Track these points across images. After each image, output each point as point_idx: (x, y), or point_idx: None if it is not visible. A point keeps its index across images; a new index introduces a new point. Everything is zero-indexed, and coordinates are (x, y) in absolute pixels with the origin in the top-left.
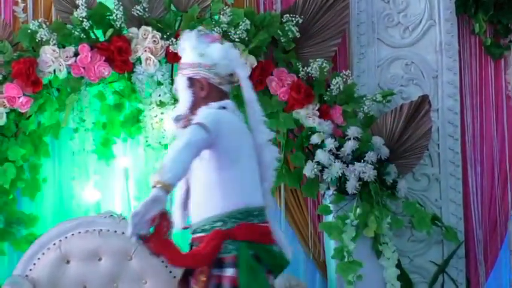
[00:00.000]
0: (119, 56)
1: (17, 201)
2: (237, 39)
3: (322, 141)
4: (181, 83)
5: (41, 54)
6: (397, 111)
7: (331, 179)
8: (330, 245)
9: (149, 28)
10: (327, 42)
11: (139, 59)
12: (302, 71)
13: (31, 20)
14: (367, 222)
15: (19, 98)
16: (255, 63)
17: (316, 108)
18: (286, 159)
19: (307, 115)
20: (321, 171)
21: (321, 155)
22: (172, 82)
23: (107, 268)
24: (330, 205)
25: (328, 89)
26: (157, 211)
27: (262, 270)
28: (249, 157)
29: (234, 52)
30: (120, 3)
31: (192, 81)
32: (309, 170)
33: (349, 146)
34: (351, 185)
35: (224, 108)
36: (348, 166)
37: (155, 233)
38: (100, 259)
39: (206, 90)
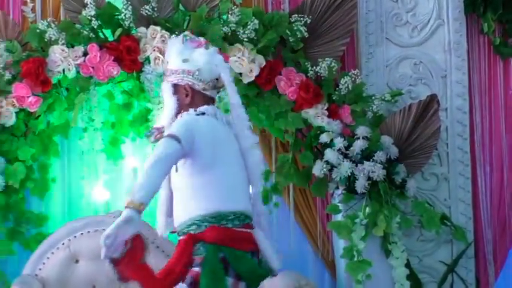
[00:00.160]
0: (127, 56)
1: (27, 201)
2: (245, 39)
3: (331, 141)
4: (166, 90)
5: (50, 54)
6: (406, 110)
7: (340, 178)
8: (339, 244)
9: (158, 28)
10: (336, 41)
11: (148, 59)
12: (311, 70)
13: (40, 20)
14: (376, 221)
15: (28, 97)
16: (264, 63)
17: (325, 107)
18: (294, 158)
19: (316, 114)
20: (330, 170)
21: (329, 155)
22: None
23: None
24: (339, 204)
25: (337, 89)
26: (130, 232)
27: (225, 274)
28: (227, 162)
29: (219, 57)
30: (129, 2)
31: (176, 88)
32: (318, 169)
33: (358, 145)
34: (360, 185)
35: (203, 113)
36: (356, 165)
37: (127, 257)
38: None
39: (190, 97)
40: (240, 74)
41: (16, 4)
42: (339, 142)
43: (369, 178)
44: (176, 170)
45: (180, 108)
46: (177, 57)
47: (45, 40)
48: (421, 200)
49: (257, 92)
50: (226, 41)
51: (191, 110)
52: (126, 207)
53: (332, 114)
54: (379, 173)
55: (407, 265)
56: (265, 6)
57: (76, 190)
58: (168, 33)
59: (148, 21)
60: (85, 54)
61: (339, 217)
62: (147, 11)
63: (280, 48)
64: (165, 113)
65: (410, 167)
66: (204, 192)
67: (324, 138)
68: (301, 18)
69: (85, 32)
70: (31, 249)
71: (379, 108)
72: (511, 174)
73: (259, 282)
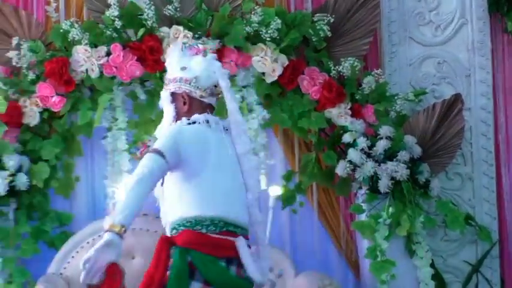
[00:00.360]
0: (150, 56)
1: (51, 200)
2: (268, 39)
3: (354, 140)
4: (164, 99)
5: (74, 54)
6: (430, 110)
7: (363, 178)
8: (363, 244)
9: (180, 27)
10: (358, 41)
11: None
12: (333, 69)
13: (63, 20)
14: (400, 221)
15: (52, 97)
16: (287, 63)
17: (348, 107)
18: (318, 158)
19: (339, 114)
20: (353, 170)
21: (353, 154)
22: None
23: (140, 266)
24: (363, 204)
25: (360, 88)
26: (111, 257)
27: (192, 278)
28: (216, 169)
29: (216, 63)
30: (152, 2)
31: (174, 96)
32: (341, 169)
33: (382, 145)
34: (384, 184)
35: (195, 122)
36: (380, 165)
37: (106, 284)
38: (133, 257)
39: (188, 104)
40: (263, 73)
41: (40, 4)
42: (362, 142)
43: (392, 178)
44: (162, 184)
45: (178, 116)
46: (175, 65)
47: (69, 40)
48: (445, 199)
49: (280, 92)
50: (249, 41)
51: (184, 119)
52: (107, 230)
53: (355, 113)
54: (402, 172)
55: (432, 265)
56: (287, 5)
57: (100, 189)
58: (191, 33)
59: (171, 21)
60: (108, 54)
61: (363, 217)
62: (169, 11)
63: (303, 48)
64: (164, 122)
65: (434, 166)
66: (187, 197)
67: (347, 138)
68: (324, 18)
69: (108, 32)
70: (56, 248)
71: (402, 108)
72: None
73: None
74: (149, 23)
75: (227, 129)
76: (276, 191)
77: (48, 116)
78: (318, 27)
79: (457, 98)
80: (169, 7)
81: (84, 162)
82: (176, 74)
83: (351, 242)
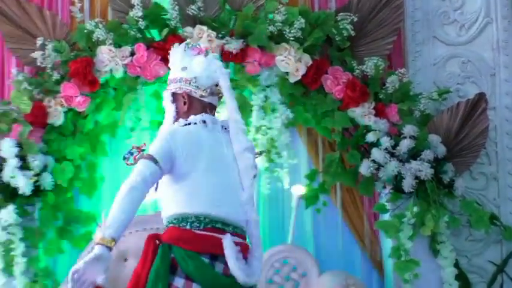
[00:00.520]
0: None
1: (75, 200)
2: (291, 38)
3: (378, 140)
4: (166, 99)
5: (98, 54)
6: (454, 109)
7: (387, 177)
8: (387, 243)
9: (204, 27)
10: (382, 40)
11: None
12: (357, 69)
13: (87, 20)
14: (424, 220)
15: (76, 97)
16: (310, 62)
17: (372, 106)
18: (341, 157)
19: (363, 113)
20: (377, 169)
21: (376, 154)
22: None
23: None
24: (386, 203)
25: (384, 87)
26: (100, 270)
27: (173, 274)
28: (208, 168)
29: (217, 63)
30: (176, 2)
31: (175, 96)
32: (365, 168)
33: (405, 144)
34: (408, 184)
35: (191, 123)
36: (404, 164)
37: None
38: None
39: (188, 104)
40: (287, 73)
41: (64, 4)
42: (386, 141)
43: (416, 177)
44: (156, 189)
45: (179, 116)
46: (177, 66)
47: (93, 40)
48: (470, 199)
49: (303, 91)
50: (273, 40)
51: (181, 121)
52: (97, 243)
53: (379, 113)
54: (426, 172)
55: (456, 265)
56: (311, 5)
57: None
58: (215, 33)
59: (194, 21)
60: (132, 54)
61: (386, 216)
62: (193, 11)
63: (327, 47)
64: (165, 121)
65: (458, 166)
66: (176, 197)
67: (371, 137)
68: (348, 17)
69: (132, 32)
70: (80, 248)
71: (426, 107)
72: None
73: (219, 287)
74: (173, 23)
75: (226, 129)
76: (299, 190)
77: (73, 116)
78: (341, 27)
79: (481, 97)
80: (193, 7)
81: (108, 162)
82: (177, 74)
83: (375, 242)
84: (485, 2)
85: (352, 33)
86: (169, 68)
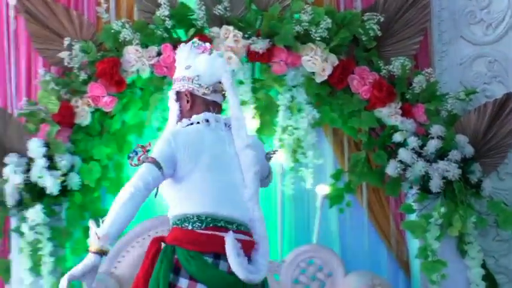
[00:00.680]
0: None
1: (102, 199)
2: (318, 38)
3: (405, 140)
4: (170, 98)
5: (124, 54)
6: (481, 109)
7: (414, 177)
8: (413, 243)
9: (230, 27)
10: (409, 40)
11: None
12: (383, 69)
13: (114, 20)
14: (451, 221)
15: (103, 97)
16: (336, 62)
17: (399, 106)
18: (367, 157)
19: (390, 113)
20: (404, 169)
21: (403, 154)
22: (254, 81)
23: None
24: (413, 204)
25: (410, 87)
26: (93, 276)
27: (176, 275)
28: (210, 167)
29: (219, 61)
30: (202, 2)
31: (179, 95)
32: (392, 168)
33: (433, 144)
34: (435, 184)
35: (193, 123)
36: (431, 165)
37: None
38: None
39: (191, 102)
40: (313, 73)
41: (90, 5)
42: (413, 141)
43: (444, 177)
44: (155, 196)
45: (182, 115)
46: (182, 65)
47: (120, 40)
48: (497, 199)
49: (330, 91)
50: (299, 40)
51: (184, 121)
52: (94, 252)
53: (405, 113)
54: (454, 172)
55: (483, 265)
56: (337, 5)
57: None
58: (241, 33)
59: (221, 21)
60: (159, 54)
61: (413, 216)
62: (219, 11)
63: (353, 47)
64: (169, 120)
65: (485, 166)
66: (178, 198)
67: (398, 137)
68: (374, 17)
69: (159, 32)
70: None
71: (453, 107)
72: None
73: (225, 286)
74: (199, 23)
75: (229, 126)
76: (324, 190)
77: (100, 116)
78: (367, 27)
79: (508, 97)
80: (219, 7)
81: None
82: (181, 73)
83: (401, 242)
84: None
85: (379, 33)
86: None
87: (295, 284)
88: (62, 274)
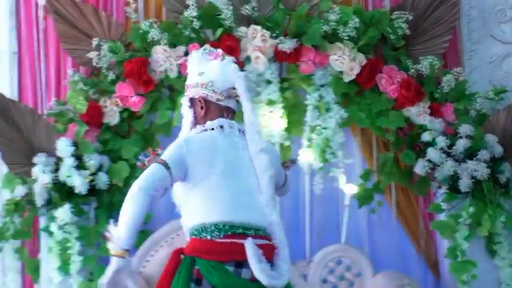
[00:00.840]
0: (228, 55)
1: None
2: (346, 37)
3: (433, 139)
4: (184, 105)
5: (153, 54)
6: (511, 108)
7: (443, 177)
8: (442, 244)
9: (258, 27)
10: (437, 39)
11: (248, 58)
12: (412, 68)
13: (142, 20)
14: (480, 221)
15: (131, 97)
16: (364, 61)
17: (427, 105)
18: (396, 157)
19: (418, 113)
20: (432, 169)
21: (432, 153)
22: (281, 81)
23: None
24: (442, 203)
25: (439, 87)
26: (125, 275)
27: (198, 286)
28: (224, 173)
29: (232, 66)
30: (230, 2)
31: (192, 102)
32: (420, 168)
33: (462, 144)
34: (464, 184)
35: (207, 130)
36: (460, 164)
37: None
38: None
39: (205, 109)
40: (341, 72)
41: (119, 5)
42: (442, 141)
43: (473, 177)
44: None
45: (197, 122)
46: (194, 71)
47: (148, 40)
48: None
49: (358, 91)
50: (327, 40)
51: (198, 127)
52: (114, 255)
53: (434, 112)
54: (483, 172)
55: None
56: (365, 4)
57: None
58: (269, 33)
59: (248, 21)
60: (187, 54)
61: (442, 216)
62: (247, 11)
63: (381, 46)
64: (183, 127)
65: None
66: (193, 206)
67: (426, 137)
68: (403, 15)
69: (186, 32)
70: (135, 247)
71: (482, 106)
72: None
73: None
74: (227, 22)
75: (243, 132)
76: (352, 189)
77: (128, 116)
78: (396, 25)
79: None
80: (247, 7)
81: None
82: (194, 80)
83: (430, 242)
84: None
85: (407, 32)
86: None
87: (323, 283)
88: (91, 273)
